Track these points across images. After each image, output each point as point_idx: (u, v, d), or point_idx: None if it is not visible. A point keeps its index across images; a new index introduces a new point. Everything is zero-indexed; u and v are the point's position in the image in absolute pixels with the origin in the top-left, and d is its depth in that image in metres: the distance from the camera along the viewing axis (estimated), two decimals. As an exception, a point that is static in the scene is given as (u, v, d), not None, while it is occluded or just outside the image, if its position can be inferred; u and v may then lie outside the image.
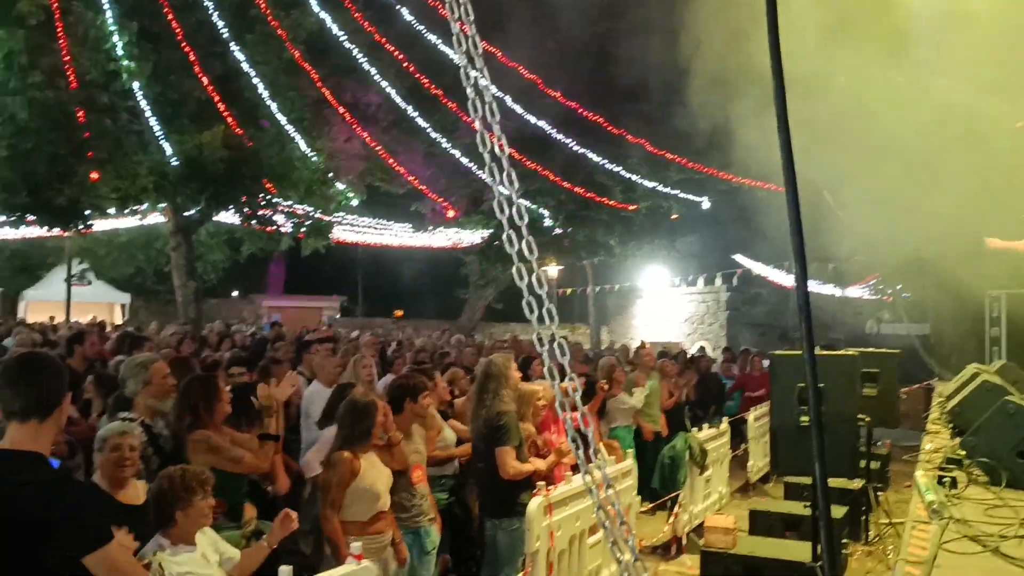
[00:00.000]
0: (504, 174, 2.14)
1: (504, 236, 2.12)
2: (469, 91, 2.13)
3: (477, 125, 2.11)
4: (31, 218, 18.43)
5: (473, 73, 2.17)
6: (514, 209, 2.13)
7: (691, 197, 27.56)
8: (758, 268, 28.51)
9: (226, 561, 3.83)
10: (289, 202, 21.32)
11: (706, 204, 27.60)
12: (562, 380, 2.09)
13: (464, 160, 24.26)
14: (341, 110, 22.00)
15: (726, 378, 14.48)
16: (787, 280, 28.11)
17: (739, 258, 29.99)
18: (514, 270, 2.05)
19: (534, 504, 5.53)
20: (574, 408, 2.17)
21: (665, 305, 33.81)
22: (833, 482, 8.12)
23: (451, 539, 6.48)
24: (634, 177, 26.47)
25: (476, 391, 6.08)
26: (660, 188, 27.09)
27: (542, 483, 5.73)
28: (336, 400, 5.58)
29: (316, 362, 7.42)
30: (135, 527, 3.48)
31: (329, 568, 4.06)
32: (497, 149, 2.13)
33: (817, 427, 2.08)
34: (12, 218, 18.67)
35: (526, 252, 2.09)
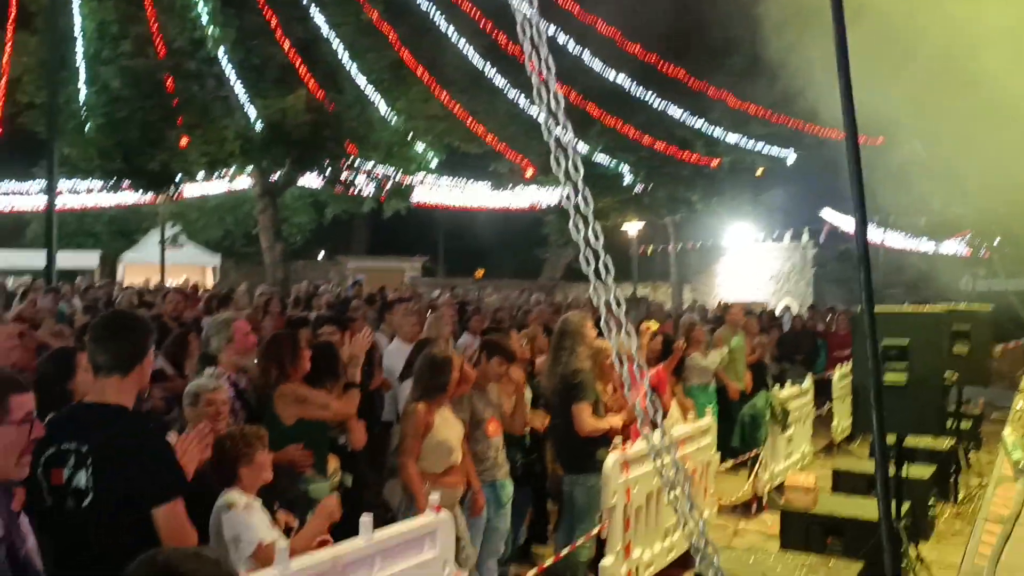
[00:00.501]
0: (561, 127, 2.14)
1: (561, 189, 2.12)
2: (526, 45, 2.12)
3: (534, 80, 2.11)
4: (126, 183, 19.15)
5: (529, 12, 2.15)
6: (570, 162, 2.13)
7: (776, 151, 26.82)
8: (846, 223, 27.64)
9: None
10: (370, 164, 21.60)
11: (792, 158, 26.82)
12: (619, 332, 2.10)
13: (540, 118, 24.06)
14: (419, 71, 22.05)
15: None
16: (878, 235, 27.19)
17: (827, 213, 29.13)
18: (571, 224, 2.05)
19: (611, 460, 5.57)
20: (632, 360, 2.18)
21: (749, 262, 33.17)
22: (921, 441, 7.94)
23: (533, 496, 6.57)
24: (716, 131, 25.87)
25: (552, 349, 6.12)
26: (743, 142, 26.42)
27: (619, 439, 5.75)
28: (417, 353, 5.69)
29: (396, 320, 7.56)
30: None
31: (407, 516, 4.19)
32: (553, 103, 2.13)
33: (876, 385, 2.03)
34: (109, 184, 19.44)
35: (582, 205, 2.09)
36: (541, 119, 2.16)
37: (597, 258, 2.10)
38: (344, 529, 3.98)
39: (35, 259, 22.29)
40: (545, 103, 2.11)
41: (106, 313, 3.43)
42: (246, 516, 3.61)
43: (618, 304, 2.13)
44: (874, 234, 27.19)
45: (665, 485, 2.34)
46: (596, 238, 2.08)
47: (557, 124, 2.14)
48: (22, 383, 2.46)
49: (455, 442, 4.98)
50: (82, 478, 2.91)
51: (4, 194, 25.53)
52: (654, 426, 2.35)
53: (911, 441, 7.22)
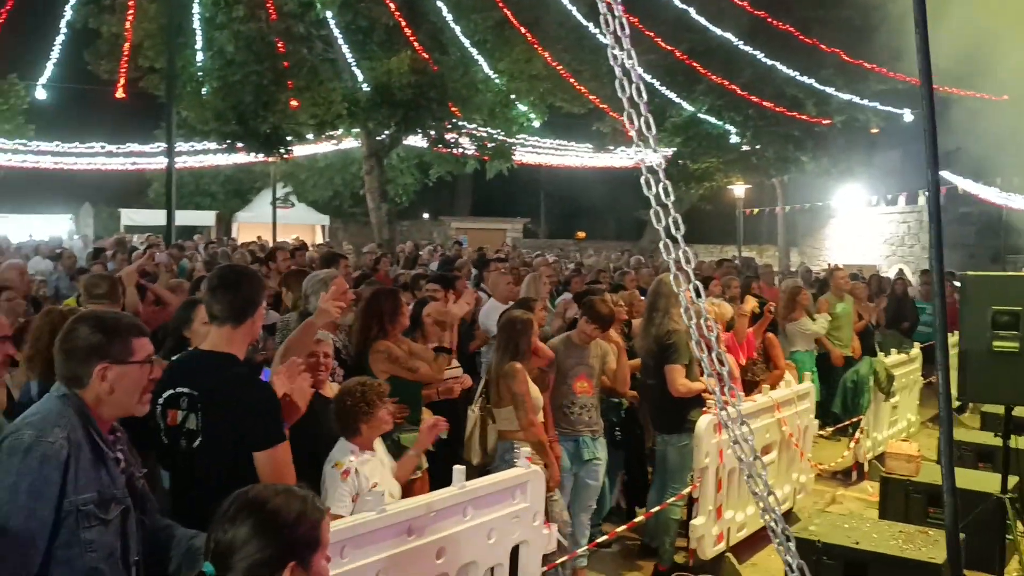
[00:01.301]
0: (625, 53, 2.13)
1: (625, 115, 2.13)
2: None
3: (600, 5, 2.10)
4: (240, 145, 19.84)
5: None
6: (634, 88, 2.13)
7: (891, 109, 25.60)
8: (966, 185, 26.25)
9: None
10: (473, 125, 21.71)
11: (908, 116, 25.56)
12: (687, 286, 2.11)
13: (647, 76, 23.67)
14: (523, 30, 21.92)
15: (925, 302, 13.65)
16: (999, 197, 25.76)
17: (945, 175, 27.71)
18: (642, 180, 2.06)
19: (703, 422, 5.58)
20: (700, 316, 2.19)
21: (861, 225, 31.94)
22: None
23: (625, 457, 6.62)
24: (828, 89, 24.85)
25: (647, 309, 6.13)
26: (857, 100, 25.32)
27: (712, 401, 5.74)
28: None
29: (491, 280, 7.69)
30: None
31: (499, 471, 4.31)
32: (618, 28, 2.12)
33: (943, 349, 1.98)
34: (224, 145, 20.19)
35: (644, 129, 2.09)
36: (617, 69, 2.17)
37: (667, 215, 2.11)
38: (438, 480, 4.14)
39: (156, 217, 23.51)
40: (611, 31, 2.10)
41: (222, 266, 3.65)
42: (343, 484, 3.78)
43: (687, 260, 2.15)
44: (996, 196, 25.80)
45: (739, 459, 2.35)
46: (667, 195, 2.10)
47: (623, 49, 2.12)
48: (142, 327, 2.66)
49: (540, 399, 5.11)
50: (193, 420, 3.12)
51: (127, 155, 26.86)
52: (720, 383, 2.36)
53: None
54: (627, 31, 2.16)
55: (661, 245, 2.14)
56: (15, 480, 2.24)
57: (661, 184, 2.09)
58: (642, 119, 2.14)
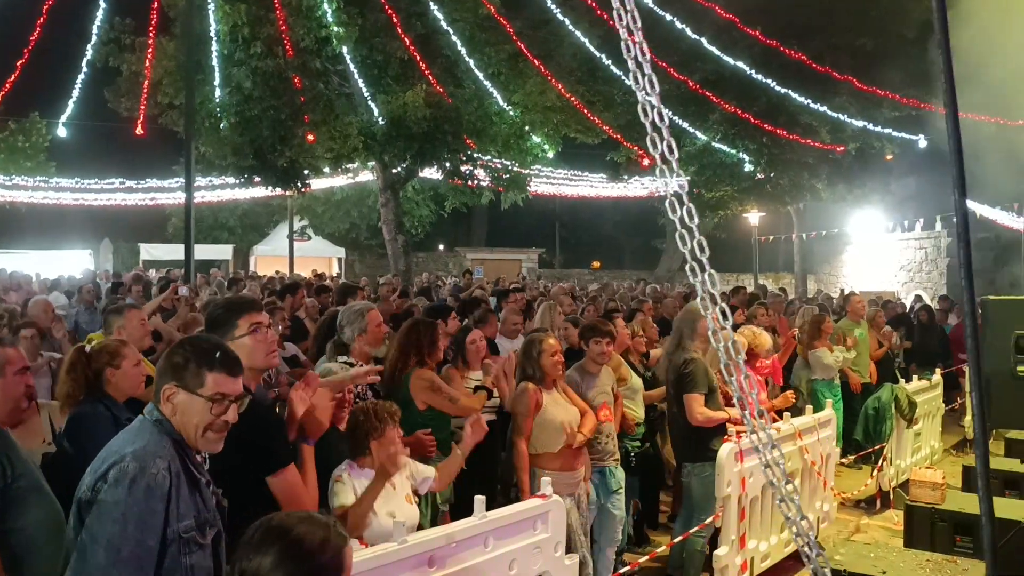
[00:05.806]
0: (646, 78, 2.16)
1: (648, 139, 2.15)
2: (615, 1, 2.16)
3: (621, 32, 2.14)
4: (258, 179, 20.02)
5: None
6: (655, 112, 2.15)
7: (906, 135, 25.59)
8: (983, 210, 26.09)
9: (423, 481, 4.11)
10: (488, 156, 21.83)
11: (923, 142, 25.54)
12: (713, 312, 2.11)
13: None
14: (536, 62, 22.08)
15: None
16: (1017, 222, 25.60)
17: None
18: (666, 204, 2.07)
19: (725, 450, 5.53)
20: (727, 339, 2.18)
21: (878, 252, 31.81)
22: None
23: (641, 484, 6.58)
24: (842, 116, 24.89)
25: (672, 337, 6.13)
26: (871, 127, 25.34)
27: (734, 429, 5.70)
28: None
29: (503, 313, 7.60)
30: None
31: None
32: (639, 54, 2.16)
33: (976, 371, 1.97)
34: (242, 180, 20.37)
35: (667, 153, 2.11)
36: (631, 75, 2.19)
37: (692, 238, 2.11)
38: (461, 509, 4.11)
39: (175, 251, 23.69)
40: (632, 55, 2.13)
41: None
42: (339, 487, 3.78)
43: (713, 284, 2.15)
44: (1013, 221, 25.64)
45: (770, 483, 2.33)
46: (691, 218, 2.11)
47: (644, 75, 2.15)
48: (233, 365, 2.69)
49: (568, 422, 5.05)
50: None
51: (146, 191, 27.15)
52: (745, 413, 2.35)
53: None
54: (647, 55, 2.19)
55: (687, 268, 2.15)
56: (124, 512, 2.31)
57: (685, 207, 2.10)
58: (664, 143, 2.16)
